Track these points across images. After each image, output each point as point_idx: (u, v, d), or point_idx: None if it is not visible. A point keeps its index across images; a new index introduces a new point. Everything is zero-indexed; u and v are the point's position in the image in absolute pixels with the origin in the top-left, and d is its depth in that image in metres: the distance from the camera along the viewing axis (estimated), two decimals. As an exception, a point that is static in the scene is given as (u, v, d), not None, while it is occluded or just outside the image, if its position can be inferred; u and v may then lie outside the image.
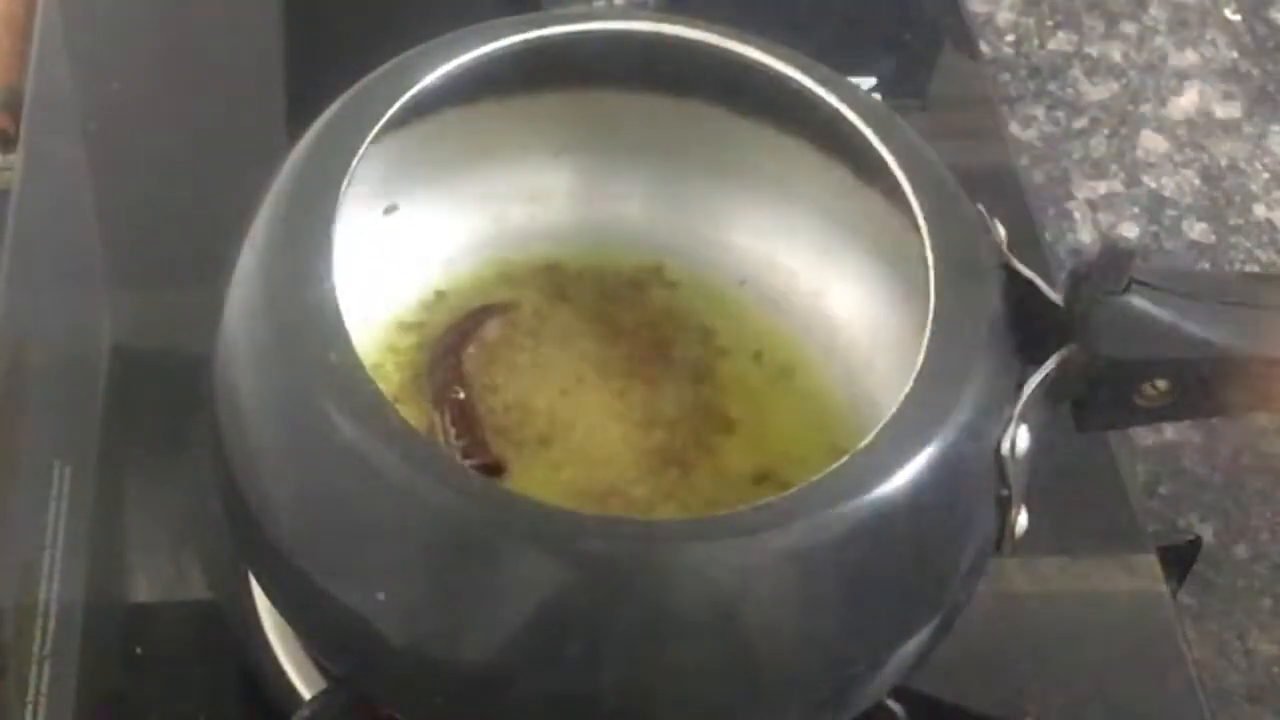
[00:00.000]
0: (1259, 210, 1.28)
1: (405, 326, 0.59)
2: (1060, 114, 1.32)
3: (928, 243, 0.50)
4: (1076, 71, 1.35)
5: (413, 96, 0.52)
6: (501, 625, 0.45)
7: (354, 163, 0.50)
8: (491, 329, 0.58)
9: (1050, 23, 1.38)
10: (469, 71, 0.53)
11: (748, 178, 0.60)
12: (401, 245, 0.59)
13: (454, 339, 0.58)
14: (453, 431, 0.56)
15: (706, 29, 0.55)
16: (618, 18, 0.55)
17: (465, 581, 0.45)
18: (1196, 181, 1.28)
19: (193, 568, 0.60)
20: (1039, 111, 1.32)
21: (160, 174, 0.72)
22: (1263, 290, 0.52)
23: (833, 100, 0.54)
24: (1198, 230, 1.26)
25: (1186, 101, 1.34)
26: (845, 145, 0.54)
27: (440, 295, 0.60)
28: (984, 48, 1.31)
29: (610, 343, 0.59)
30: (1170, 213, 1.26)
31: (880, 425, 0.47)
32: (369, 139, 0.50)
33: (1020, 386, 0.49)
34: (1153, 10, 1.40)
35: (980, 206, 0.53)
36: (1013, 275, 0.51)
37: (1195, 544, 0.71)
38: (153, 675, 0.57)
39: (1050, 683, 0.60)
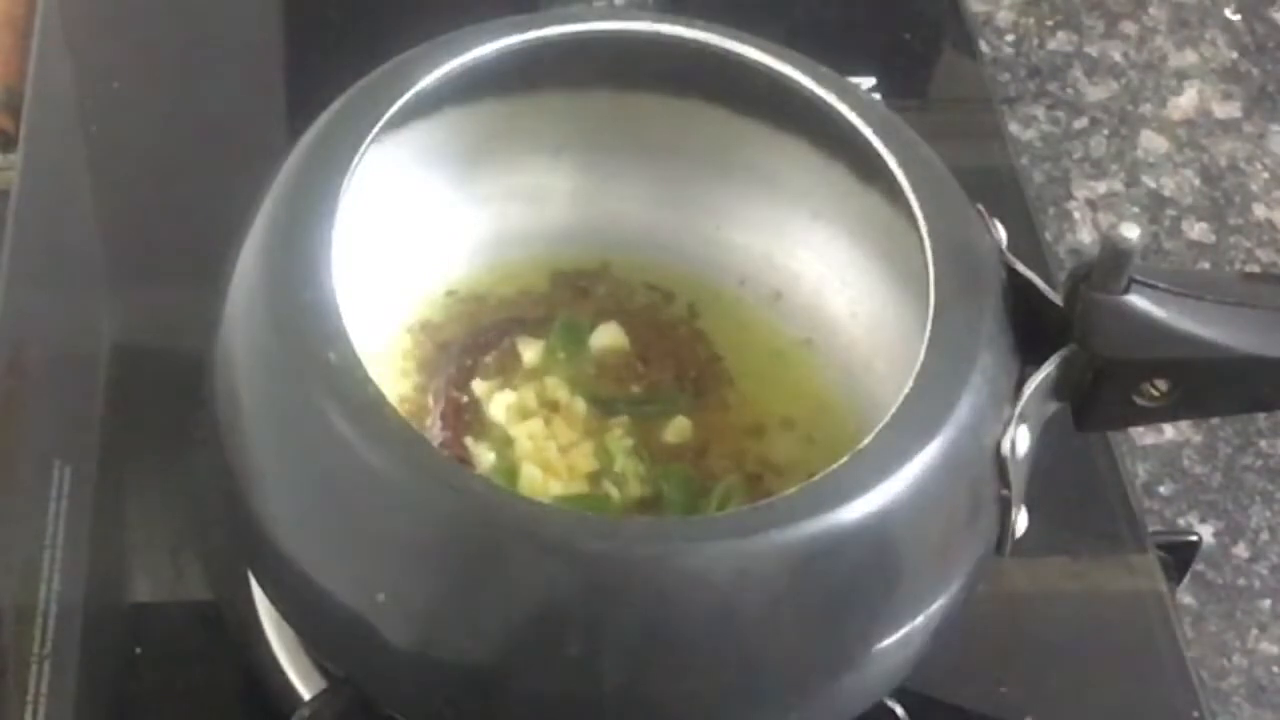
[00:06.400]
0: (1259, 210, 1.28)
1: (406, 326, 0.59)
2: (1060, 114, 1.32)
3: (928, 243, 0.50)
4: (1076, 71, 1.35)
5: (413, 96, 0.52)
6: (501, 625, 0.45)
7: (354, 163, 0.50)
8: (513, 342, 0.59)
9: (1050, 23, 1.38)
10: (469, 71, 0.53)
11: (748, 177, 0.60)
12: (401, 245, 0.59)
13: (475, 342, 0.58)
14: (439, 425, 0.56)
15: (706, 29, 0.55)
16: (617, 18, 0.55)
17: (465, 582, 0.45)
18: (1196, 181, 1.29)
19: (193, 568, 0.60)
20: (1039, 111, 1.32)
21: (160, 174, 0.72)
22: (1263, 290, 0.52)
23: (833, 100, 0.54)
24: (1198, 230, 1.26)
25: (1186, 101, 1.34)
26: (845, 145, 0.54)
27: (445, 294, 0.60)
28: (984, 48, 1.31)
29: (613, 346, 0.59)
30: (1170, 213, 1.26)
31: (880, 425, 0.47)
32: (369, 139, 0.50)
33: (1020, 386, 0.49)
34: (1153, 10, 1.40)
35: (980, 206, 0.53)
36: (1013, 275, 0.51)
37: (1195, 544, 0.71)
38: (153, 675, 0.57)
39: (1050, 683, 0.60)
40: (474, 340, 0.59)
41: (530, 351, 0.58)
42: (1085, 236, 1.24)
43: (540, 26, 0.54)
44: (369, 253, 0.55)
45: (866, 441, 0.46)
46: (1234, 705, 1.03)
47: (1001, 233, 0.53)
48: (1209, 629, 1.05)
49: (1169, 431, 1.15)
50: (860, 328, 0.59)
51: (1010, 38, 1.37)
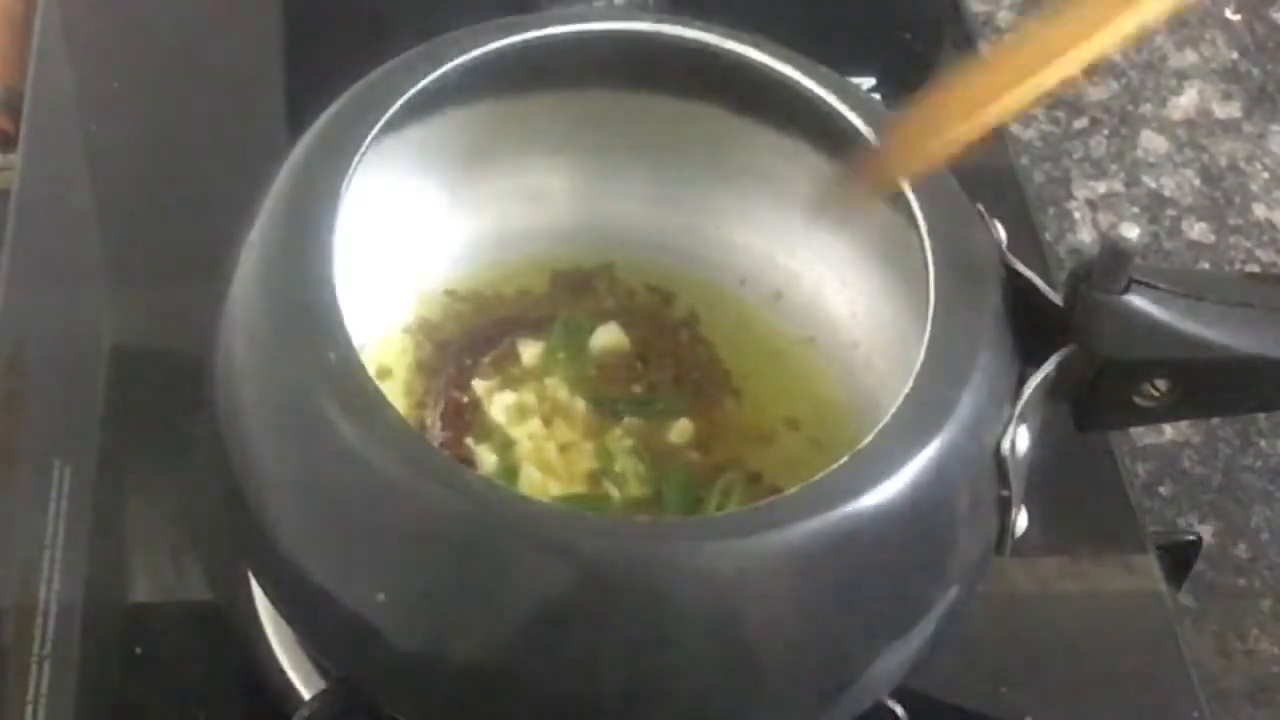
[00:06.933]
0: (1259, 210, 1.28)
1: (405, 326, 0.59)
2: (1060, 114, 1.32)
3: (928, 243, 0.50)
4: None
5: (413, 96, 0.52)
6: (501, 625, 0.45)
7: (354, 163, 0.50)
8: (513, 342, 0.59)
9: (1050, 23, 1.38)
10: (469, 71, 0.53)
11: (748, 178, 0.60)
12: (401, 245, 0.59)
13: (475, 342, 0.58)
14: (439, 425, 0.56)
15: (706, 29, 0.55)
16: (618, 18, 0.55)
17: (465, 581, 0.45)
18: (1196, 181, 1.28)
19: (193, 568, 0.60)
20: (1039, 111, 1.32)
21: (160, 174, 0.72)
22: (1263, 290, 0.52)
23: (833, 100, 0.54)
24: (1198, 230, 1.26)
25: (1186, 101, 1.34)
26: (845, 145, 0.54)
27: (444, 294, 0.60)
28: (984, 48, 1.31)
29: (613, 346, 0.59)
30: (1170, 213, 1.26)
31: (880, 425, 0.47)
32: (369, 139, 0.50)
33: (1020, 386, 0.49)
34: (1153, 10, 1.39)
35: (980, 206, 0.53)
36: (1013, 275, 0.51)
37: (1195, 544, 0.71)
38: (153, 675, 0.57)
39: (1050, 683, 0.60)
40: (474, 340, 0.59)
41: (530, 352, 0.58)
42: (1085, 236, 1.24)
43: (540, 26, 0.54)
44: (369, 253, 0.55)
45: (866, 441, 0.46)
46: (1234, 705, 1.03)
47: (1001, 233, 0.53)
48: (1209, 629, 1.05)
49: (1169, 431, 1.15)
50: (860, 328, 0.59)
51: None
